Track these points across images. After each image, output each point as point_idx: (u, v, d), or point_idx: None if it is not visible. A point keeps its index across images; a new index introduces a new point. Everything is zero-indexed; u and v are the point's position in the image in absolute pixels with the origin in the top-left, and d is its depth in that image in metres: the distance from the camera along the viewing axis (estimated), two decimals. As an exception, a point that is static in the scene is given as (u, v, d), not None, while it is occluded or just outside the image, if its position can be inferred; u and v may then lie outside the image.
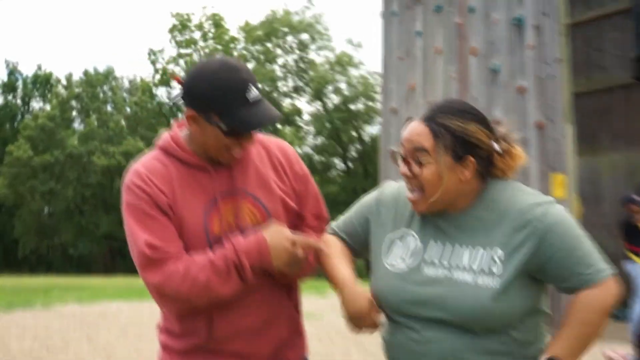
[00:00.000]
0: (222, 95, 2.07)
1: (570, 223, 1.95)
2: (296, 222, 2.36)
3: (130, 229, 2.15)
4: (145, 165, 2.21)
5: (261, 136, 2.39)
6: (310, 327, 9.48)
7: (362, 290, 2.10)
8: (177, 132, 2.26)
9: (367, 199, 2.29)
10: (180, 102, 2.19)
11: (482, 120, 2.03)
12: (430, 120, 1.98)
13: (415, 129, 2.00)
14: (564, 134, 10.19)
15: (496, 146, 2.02)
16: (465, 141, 1.96)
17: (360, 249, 2.32)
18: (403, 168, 2.02)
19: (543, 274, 1.95)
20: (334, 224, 2.38)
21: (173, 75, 2.32)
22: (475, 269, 1.94)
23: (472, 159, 1.97)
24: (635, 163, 13.04)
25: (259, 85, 2.18)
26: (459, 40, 11.85)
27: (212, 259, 2.07)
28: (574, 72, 13.47)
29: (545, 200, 1.99)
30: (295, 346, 2.39)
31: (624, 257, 10.20)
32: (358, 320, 2.08)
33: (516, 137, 2.10)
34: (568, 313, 1.94)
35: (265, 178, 2.28)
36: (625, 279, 10.63)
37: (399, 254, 2.08)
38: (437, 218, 2.05)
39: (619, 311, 12.23)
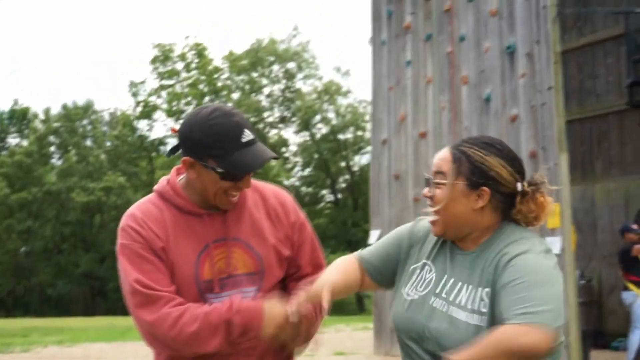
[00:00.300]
0: (217, 140, 2.13)
1: (535, 268, 1.93)
2: (291, 270, 2.41)
3: (124, 269, 2.19)
4: (141, 209, 2.27)
5: (258, 183, 2.43)
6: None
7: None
8: (174, 177, 2.32)
9: (401, 228, 2.32)
10: (177, 152, 2.28)
11: (507, 158, 2.07)
12: (455, 147, 2.10)
13: (440, 155, 2.12)
14: (558, 163, 10.02)
15: (519, 186, 2.04)
16: (483, 172, 2.02)
17: (381, 277, 2.32)
18: (425, 190, 2.13)
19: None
20: (358, 253, 2.38)
21: (172, 129, 2.44)
22: (469, 307, 2.00)
23: (486, 189, 2.02)
24: (630, 190, 12.92)
25: (250, 125, 2.26)
26: (450, 69, 11.73)
27: (207, 312, 2.13)
28: (567, 98, 13.42)
29: (533, 248, 1.99)
30: None
31: (623, 288, 10.11)
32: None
33: (549, 189, 2.09)
34: (487, 336, 1.86)
35: (259, 225, 2.32)
36: (624, 309, 10.46)
37: (416, 283, 2.14)
38: (455, 253, 2.11)
39: (618, 341, 12.07)
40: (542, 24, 10.34)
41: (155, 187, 2.33)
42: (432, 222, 2.11)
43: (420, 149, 12.08)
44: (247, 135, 2.16)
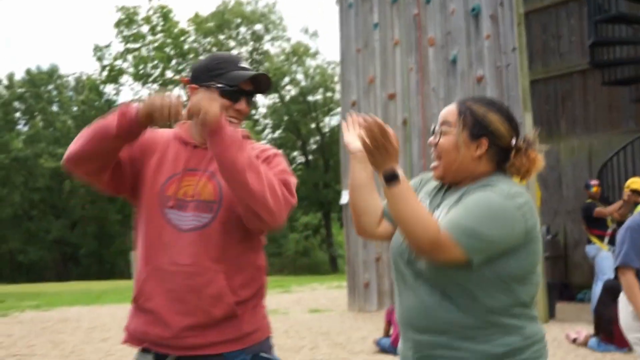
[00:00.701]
0: (218, 63, 2.50)
1: (482, 201, 2.13)
2: None
3: None
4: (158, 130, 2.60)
5: (261, 147, 2.67)
6: (277, 323, 9.42)
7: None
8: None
9: (415, 179, 2.56)
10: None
11: (505, 116, 2.31)
12: (461, 103, 2.33)
13: (447, 109, 2.35)
14: (522, 122, 10.30)
15: (513, 141, 2.28)
16: (483, 125, 2.26)
17: None
18: (430, 138, 2.35)
19: None
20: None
21: (182, 78, 2.66)
22: None
23: (485, 140, 2.25)
24: (593, 148, 13.29)
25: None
26: (417, 32, 11.90)
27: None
28: (531, 59, 13.68)
29: (496, 188, 2.17)
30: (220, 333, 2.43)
31: (587, 242, 10.46)
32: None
33: (542, 148, 2.31)
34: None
35: None
36: (589, 262, 10.85)
37: None
38: (448, 193, 2.34)
39: (583, 293, 12.52)
40: (506, -14, 10.58)
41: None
42: (434, 167, 2.33)
43: (389, 110, 12.29)
44: (245, 63, 2.51)
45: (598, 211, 10.08)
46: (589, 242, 10.34)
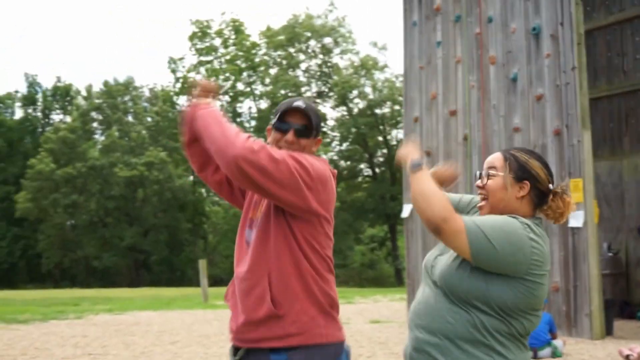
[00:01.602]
0: (280, 105, 2.89)
1: (502, 218, 2.47)
2: None
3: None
4: None
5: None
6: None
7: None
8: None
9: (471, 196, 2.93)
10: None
11: (544, 164, 2.66)
12: (505, 151, 2.68)
13: (493, 156, 2.70)
14: (581, 140, 10.42)
15: (551, 185, 2.63)
16: (526, 169, 2.60)
17: None
18: (478, 181, 2.66)
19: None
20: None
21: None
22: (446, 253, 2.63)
23: (527, 183, 2.58)
24: (656, 165, 13.23)
25: (310, 103, 2.93)
26: (479, 50, 12.11)
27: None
28: (595, 76, 13.69)
29: (517, 218, 2.50)
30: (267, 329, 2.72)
31: None
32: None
33: (571, 196, 2.64)
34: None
35: None
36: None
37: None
38: None
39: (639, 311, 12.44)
40: (566, 6, 10.74)
41: None
42: (481, 207, 2.64)
43: (450, 127, 12.54)
44: (300, 102, 2.85)
45: None
46: None
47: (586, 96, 10.72)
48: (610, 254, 13.13)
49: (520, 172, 2.58)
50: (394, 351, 9.35)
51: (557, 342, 8.86)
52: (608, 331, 10.58)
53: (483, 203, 2.63)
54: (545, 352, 8.69)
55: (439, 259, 2.61)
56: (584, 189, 10.30)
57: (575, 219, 10.35)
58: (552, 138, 10.86)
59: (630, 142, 13.75)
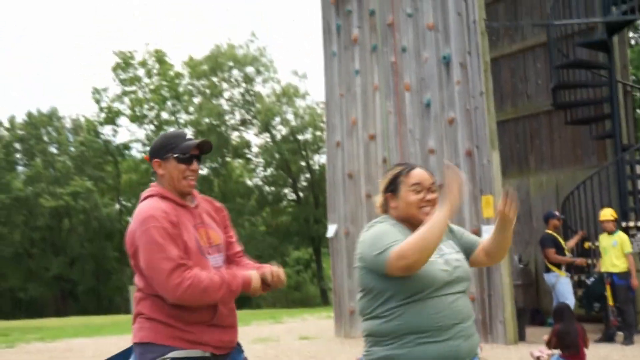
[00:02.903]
0: (170, 139, 3.33)
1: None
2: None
3: (160, 246, 3.12)
4: (156, 205, 3.27)
5: (202, 197, 3.56)
6: (269, 350, 10.30)
7: (447, 198, 2.98)
8: (157, 186, 3.40)
9: (388, 229, 3.12)
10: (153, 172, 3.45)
11: None
12: (422, 168, 3.25)
13: (424, 172, 3.19)
14: (490, 160, 11.16)
15: None
16: None
17: None
18: (427, 196, 3.15)
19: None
20: (392, 245, 3.02)
21: (145, 157, 3.54)
22: (454, 250, 3.18)
23: None
24: (559, 182, 14.19)
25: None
26: (394, 77, 12.81)
27: (226, 281, 3.19)
28: (502, 100, 14.63)
29: None
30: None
31: (545, 270, 11.18)
32: (459, 196, 3.01)
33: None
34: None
35: (212, 217, 3.48)
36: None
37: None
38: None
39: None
40: (473, 37, 11.46)
41: (152, 191, 3.36)
42: (428, 213, 3.07)
43: (370, 150, 13.20)
44: (190, 135, 3.38)
45: (551, 253, 10.95)
46: (547, 270, 11.08)
47: (494, 119, 11.37)
48: (521, 266, 13.97)
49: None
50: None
51: (473, 347, 9.47)
52: (521, 337, 11.25)
53: (429, 210, 3.10)
54: (462, 357, 9.22)
55: (451, 258, 3.10)
56: (494, 204, 11.01)
57: (487, 233, 11.01)
58: (464, 158, 11.56)
59: (535, 160, 14.68)
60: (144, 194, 3.39)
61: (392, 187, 3.20)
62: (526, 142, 14.85)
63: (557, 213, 11.57)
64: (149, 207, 3.25)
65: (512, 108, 14.97)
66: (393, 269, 2.90)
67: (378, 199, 3.30)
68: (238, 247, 3.60)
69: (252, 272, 3.32)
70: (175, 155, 3.29)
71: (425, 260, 2.89)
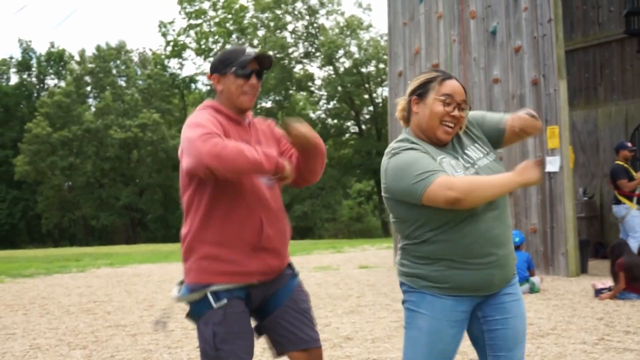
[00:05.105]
0: (229, 54, 3.25)
1: None
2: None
3: (199, 125, 2.99)
4: (205, 117, 3.12)
5: (259, 118, 3.50)
6: (329, 277, 10.45)
7: (524, 173, 2.81)
8: (211, 101, 3.34)
9: (420, 155, 2.90)
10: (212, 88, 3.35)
11: None
12: (455, 80, 2.99)
13: (458, 87, 2.94)
14: (557, 89, 10.91)
15: None
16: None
17: None
18: (454, 112, 2.92)
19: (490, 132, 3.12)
20: (435, 175, 2.81)
21: (208, 75, 3.40)
22: (482, 156, 2.97)
23: None
24: (629, 113, 13.76)
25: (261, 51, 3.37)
26: (459, 5, 12.55)
27: (256, 154, 2.98)
28: (572, 29, 14.14)
29: None
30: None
31: (614, 201, 10.87)
32: (537, 179, 2.84)
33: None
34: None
35: (266, 137, 3.38)
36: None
37: (450, 169, 2.87)
38: (443, 149, 2.97)
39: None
40: (542, -39, 11.11)
41: (207, 104, 3.27)
42: (450, 132, 2.92)
43: (433, 80, 13.00)
44: (250, 49, 3.25)
45: (624, 184, 10.59)
46: (617, 202, 10.77)
47: (562, 47, 11.08)
48: (586, 198, 13.73)
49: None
50: (382, 291, 9.94)
51: (535, 279, 9.32)
52: (583, 269, 11.15)
53: (453, 129, 2.93)
54: (524, 288, 9.08)
55: (483, 167, 2.95)
56: (560, 135, 10.79)
57: (552, 164, 10.88)
58: (529, 88, 11.34)
59: (604, 91, 14.24)
60: (197, 107, 3.31)
61: (421, 91, 2.96)
62: (595, 72, 14.38)
63: (629, 144, 11.18)
64: (198, 116, 3.14)
65: (582, 37, 14.45)
66: (438, 198, 2.72)
67: (400, 101, 3.10)
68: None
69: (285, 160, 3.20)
70: (234, 70, 3.22)
71: (471, 205, 2.74)
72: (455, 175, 2.80)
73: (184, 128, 3.07)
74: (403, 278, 3.01)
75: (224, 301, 3.12)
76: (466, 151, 2.99)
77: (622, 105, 13.90)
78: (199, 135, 2.91)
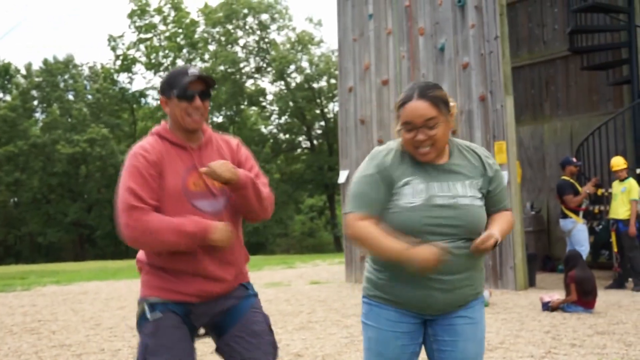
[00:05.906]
0: (172, 77, 3.21)
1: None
2: None
3: (123, 181, 3.10)
4: (142, 144, 3.21)
5: (214, 134, 3.42)
6: (280, 293, 10.36)
7: (417, 249, 2.72)
8: (164, 124, 3.33)
9: (368, 175, 2.92)
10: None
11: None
12: (424, 96, 2.80)
13: (419, 107, 2.78)
14: (504, 105, 11.05)
15: (453, 103, 2.92)
16: (447, 101, 2.83)
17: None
18: (418, 136, 2.79)
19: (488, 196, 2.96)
20: (356, 210, 2.90)
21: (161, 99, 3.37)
22: (469, 195, 2.83)
23: (452, 112, 2.86)
24: (574, 129, 14.05)
25: (203, 71, 3.25)
26: (408, 22, 12.66)
27: (183, 225, 3.03)
28: (518, 46, 14.40)
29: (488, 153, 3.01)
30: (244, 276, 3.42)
31: (561, 216, 11.08)
32: (427, 265, 2.72)
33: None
34: (496, 218, 2.96)
35: (221, 157, 3.28)
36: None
37: (409, 195, 2.81)
38: (429, 167, 2.86)
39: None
40: (488, -21, 11.26)
41: (154, 130, 3.28)
42: (426, 153, 2.81)
43: (382, 95, 13.11)
44: (194, 69, 3.19)
45: (570, 199, 10.81)
46: (564, 216, 10.99)
47: (509, 64, 11.25)
48: (533, 213, 13.95)
49: (446, 107, 2.81)
50: (333, 307, 9.90)
51: (484, 293, 9.48)
52: (531, 282, 11.28)
53: (428, 149, 2.80)
54: (472, 302, 9.24)
55: (451, 207, 2.83)
56: (507, 150, 10.92)
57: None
58: (477, 104, 11.47)
59: (550, 107, 14.53)
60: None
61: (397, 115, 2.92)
62: (541, 89, 14.67)
63: (574, 159, 11.42)
64: (138, 145, 3.21)
65: (528, 54, 14.75)
66: (345, 226, 2.90)
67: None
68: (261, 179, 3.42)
69: (221, 223, 3.14)
70: (176, 93, 3.18)
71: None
72: (410, 203, 2.79)
73: (123, 169, 3.17)
74: (363, 282, 3.08)
75: (158, 314, 3.16)
76: (454, 183, 2.89)
77: (567, 121, 14.17)
78: (119, 210, 3.05)
